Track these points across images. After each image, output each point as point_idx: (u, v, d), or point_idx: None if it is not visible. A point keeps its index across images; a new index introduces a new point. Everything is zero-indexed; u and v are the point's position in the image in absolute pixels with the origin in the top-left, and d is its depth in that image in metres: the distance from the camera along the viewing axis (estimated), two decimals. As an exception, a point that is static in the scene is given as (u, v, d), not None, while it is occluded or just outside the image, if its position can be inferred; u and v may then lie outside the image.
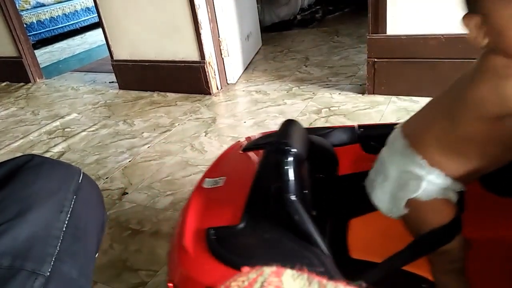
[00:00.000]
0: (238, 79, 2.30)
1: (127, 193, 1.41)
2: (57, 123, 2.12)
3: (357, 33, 2.73)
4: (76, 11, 4.30)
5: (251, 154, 0.82)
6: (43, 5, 4.03)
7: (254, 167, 0.69)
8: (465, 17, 0.53)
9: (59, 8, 4.14)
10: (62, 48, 3.93)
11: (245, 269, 0.25)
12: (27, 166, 0.54)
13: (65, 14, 4.19)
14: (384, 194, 0.67)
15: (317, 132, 0.80)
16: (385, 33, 1.70)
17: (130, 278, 1.05)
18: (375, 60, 1.74)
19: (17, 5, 2.99)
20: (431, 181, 0.61)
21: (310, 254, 0.52)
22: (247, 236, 0.58)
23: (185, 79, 2.21)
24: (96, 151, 1.75)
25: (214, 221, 0.63)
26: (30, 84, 2.86)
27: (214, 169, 0.80)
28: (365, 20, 1.74)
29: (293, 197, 0.58)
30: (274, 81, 2.20)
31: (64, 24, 4.19)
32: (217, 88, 2.21)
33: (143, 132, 1.86)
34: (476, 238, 0.65)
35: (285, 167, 0.58)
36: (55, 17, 4.09)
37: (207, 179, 0.76)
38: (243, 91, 2.16)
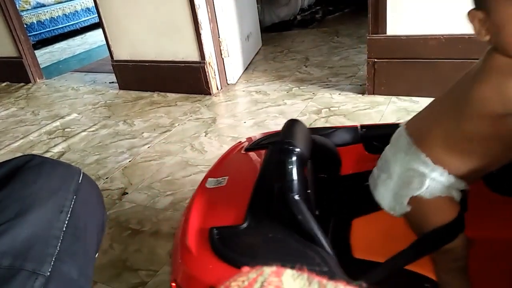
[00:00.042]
0: (238, 79, 2.30)
1: (127, 193, 1.41)
2: (57, 123, 2.12)
3: (357, 33, 2.73)
4: (76, 11, 4.30)
5: (254, 154, 0.81)
6: (43, 5, 4.03)
7: (257, 167, 0.69)
8: (470, 12, 0.54)
9: (59, 8, 4.14)
10: (62, 48, 3.93)
11: (245, 269, 0.25)
12: (27, 166, 0.53)
13: (65, 15, 4.19)
14: (387, 192, 0.67)
15: (320, 132, 0.80)
16: (385, 33, 1.70)
17: (130, 278, 1.04)
18: (375, 60, 1.74)
19: (17, 6, 2.99)
20: (435, 179, 0.61)
21: (313, 254, 0.52)
22: (250, 235, 0.58)
23: (185, 79, 2.21)
24: (96, 151, 1.75)
25: (217, 221, 0.63)
26: (30, 84, 2.85)
27: (217, 169, 0.80)
28: (365, 21, 1.74)
29: (296, 197, 0.57)
30: (274, 81, 2.19)
31: (64, 25, 4.19)
32: (217, 88, 2.20)
33: (143, 132, 1.86)
34: (478, 237, 0.64)
35: (289, 167, 0.58)
36: (55, 17, 4.09)
37: (210, 178, 0.75)
38: (243, 91, 2.15)
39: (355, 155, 0.80)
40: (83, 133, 1.94)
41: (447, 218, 0.62)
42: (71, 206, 0.52)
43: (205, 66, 2.12)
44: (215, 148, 1.61)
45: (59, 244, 0.47)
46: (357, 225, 0.79)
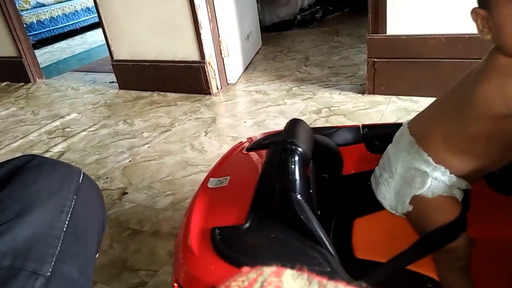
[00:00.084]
0: (238, 79, 2.30)
1: (127, 193, 1.41)
2: (57, 123, 2.11)
3: (357, 33, 2.73)
4: (76, 11, 4.30)
5: (255, 154, 0.81)
6: (43, 5, 4.03)
7: (258, 167, 0.69)
8: (473, 10, 0.54)
9: (59, 8, 4.14)
10: (62, 48, 3.93)
11: (245, 269, 0.25)
12: (28, 166, 0.53)
13: (65, 14, 4.18)
14: (389, 191, 0.67)
15: (322, 132, 0.80)
16: (385, 33, 1.69)
17: (130, 278, 1.04)
18: (375, 60, 1.74)
19: (17, 5, 2.98)
20: (437, 178, 0.61)
21: (315, 254, 0.52)
22: (252, 235, 0.58)
23: (185, 79, 2.21)
24: (96, 151, 1.75)
25: (219, 221, 0.62)
26: (30, 84, 2.85)
27: (219, 169, 0.80)
28: (365, 20, 1.74)
29: (299, 197, 0.57)
30: (274, 81, 2.19)
31: (64, 24, 4.19)
32: (217, 88, 2.20)
33: (143, 132, 1.86)
34: (480, 237, 0.64)
35: (291, 166, 0.58)
36: (55, 17, 4.09)
37: (211, 178, 0.75)
38: (243, 91, 2.15)
39: (357, 155, 0.80)
40: (83, 133, 1.94)
41: (449, 217, 0.62)
42: (72, 206, 0.51)
43: (205, 66, 2.12)
44: (215, 148, 1.61)
45: (60, 244, 0.47)
46: (359, 225, 0.79)
